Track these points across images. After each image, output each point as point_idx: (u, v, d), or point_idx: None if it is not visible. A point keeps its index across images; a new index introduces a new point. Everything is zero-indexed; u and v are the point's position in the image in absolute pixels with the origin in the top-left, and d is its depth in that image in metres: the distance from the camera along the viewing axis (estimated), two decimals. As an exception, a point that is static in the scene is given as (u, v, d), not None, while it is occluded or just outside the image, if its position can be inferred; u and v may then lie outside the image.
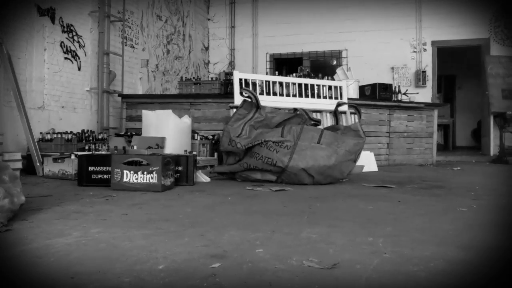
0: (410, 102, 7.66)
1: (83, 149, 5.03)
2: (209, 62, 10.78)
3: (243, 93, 5.04)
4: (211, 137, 5.76)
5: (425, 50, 9.75)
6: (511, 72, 8.65)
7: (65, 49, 5.91)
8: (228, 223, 2.38)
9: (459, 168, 6.62)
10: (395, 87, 8.09)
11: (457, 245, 1.91)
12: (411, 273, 1.53)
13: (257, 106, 4.76)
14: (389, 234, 2.14)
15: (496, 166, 7.30)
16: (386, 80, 9.25)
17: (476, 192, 3.79)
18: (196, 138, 5.43)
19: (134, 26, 7.55)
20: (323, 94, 6.23)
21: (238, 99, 5.56)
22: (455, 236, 2.10)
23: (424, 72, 9.61)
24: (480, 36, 9.43)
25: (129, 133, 5.75)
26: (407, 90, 8.75)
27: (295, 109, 5.01)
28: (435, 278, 1.48)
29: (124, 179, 3.67)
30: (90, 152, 4.63)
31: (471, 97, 12.76)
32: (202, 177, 4.48)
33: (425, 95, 9.53)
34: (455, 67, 12.76)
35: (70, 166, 4.46)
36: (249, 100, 4.83)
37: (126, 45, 7.21)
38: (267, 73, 9.89)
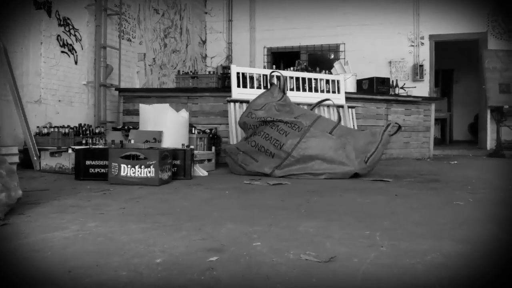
0: (408, 96, 7.66)
1: (80, 143, 5.03)
2: (206, 56, 10.75)
3: (272, 76, 5.28)
4: (208, 131, 5.76)
5: (422, 44, 9.74)
6: (509, 66, 8.66)
7: (61, 43, 5.88)
8: (226, 217, 2.38)
9: (456, 162, 6.63)
10: (393, 81, 8.09)
11: (454, 239, 1.92)
12: (407, 266, 1.54)
13: (283, 91, 4.84)
14: (386, 227, 2.15)
15: (493, 160, 7.32)
16: (383, 74, 9.24)
17: (472, 186, 3.81)
18: (193, 132, 5.42)
19: (131, 19, 7.52)
20: (320, 88, 6.23)
21: (235, 93, 5.55)
22: (452, 230, 2.11)
23: (421, 66, 9.61)
24: (478, 30, 9.43)
25: (126, 127, 5.73)
26: (404, 84, 8.75)
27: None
28: (431, 271, 1.49)
29: (122, 173, 3.67)
30: (88, 146, 4.63)
31: (468, 91, 12.78)
32: (200, 171, 4.48)
33: (423, 89, 9.53)
34: (452, 61, 12.75)
35: (67, 160, 4.46)
36: (276, 85, 4.95)
37: (123, 39, 7.19)
38: (264, 67, 9.87)
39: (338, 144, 4.32)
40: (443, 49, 10.43)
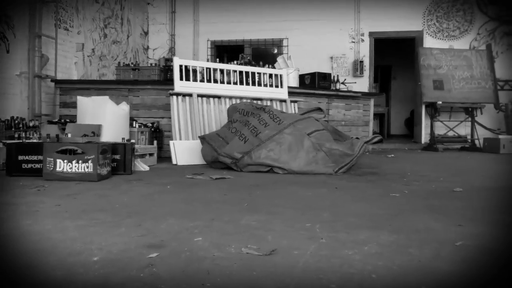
0: (348, 91, 7.87)
1: (12, 137, 4.77)
2: (148, 47, 10.53)
3: None
4: (150, 124, 5.65)
5: (362, 40, 10.02)
6: (442, 64, 9.08)
7: (-8, 31, 5.56)
8: (167, 212, 2.35)
9: (393, 155, 6.89)
10: (334, 76, 8.27)
11: (389, 229, 1.99)
12: (346, 257, 1.58)
13: None
14: (326, 219, 2.19)
15: (427, 153, 7.67)
16: (325, 69, 9.44)
17: (408, 178, 3.97)
18: (134, 125, 5.30)
19: (68, 7, 7.21)
20: (264, 82, 6.26)
21: (178, 86, 5.47)
22: (388, 220, 2.18)
23: (361, 62, 9.88)
24: (415, 29, 9.82)
25: (63, 120, 5.51)
26: (345, 79, 8.98)
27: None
28: (368, 261, 1.53)
29: (57, 169, 3.52)
30: (20, 140, 4.41)
31: (405, 87, 13.30)
32: (141, 165, 4.39)
33: (362, 84, 9.81)
34: (391, 58, 13.21)
35: (-2, 155, 4.22)
36: None
37: (60, 28, 6.88)
38: (208, 60, 9.80)
39: (312, 147, 4.36)
40: (382, 46, 10.77)
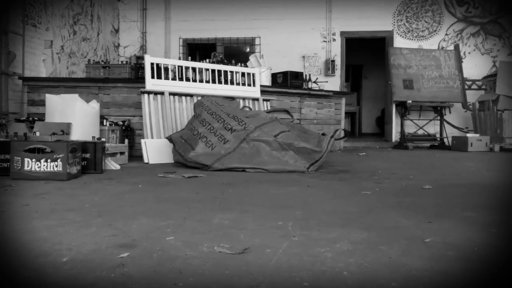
0: (320, 90, 7.93)
1: (-22, 136, 4.64)
2: (119, 45, 10.38)
3: None
4: (121, 123, 5.57)
5: (334, 40, 10.12)
6: (412, 64, 9.25)
7: (-45, 26, 5.38)
8: (138, 211, 2.32)
9: (364, 153, 6.98)
10: (306, 75, 8.33)
11: (361, 226, 2.02)
12: (318, 254, 1.59)
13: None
14: (298, 217, 2.20)
15: (397, 151, 7.81)
16: (297, 68, 9.50)
17: (379, 176, 4.03)
18: (105, 124, 5.22)
19: (36, 3, 7.04)
20: (236, 80, 6.26)
21: (149, 84, 5.41)
22: (359, 218, 2.21)
23: (333, 61, 9.99)
24: (385, 29, 9.98)
25: (31, 119, 5.38)
26: (317, 78, 9.06)
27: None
28: (340, 258, 1.55)
29: (25, 168, 3.44)
30: (-14, 139, 4.28)
31: (376, 86, 13.50)
32: (112, 164, 4.32)
33: (334, 83, 9.92)
34: (362, 58, 13.40)
35: (-38, 154, 4.09)
36: None
37: (27, 24, 6.72)
38: (180, 58, 9.73)
39: (280, 148, 4.39)
40: (353, 45, 10.91)
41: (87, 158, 3.95)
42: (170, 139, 4.75)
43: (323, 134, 4.81)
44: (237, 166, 4.27)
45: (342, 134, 4.71)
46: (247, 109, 5.58)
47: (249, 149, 4.35)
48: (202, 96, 5.77)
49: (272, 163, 4.29)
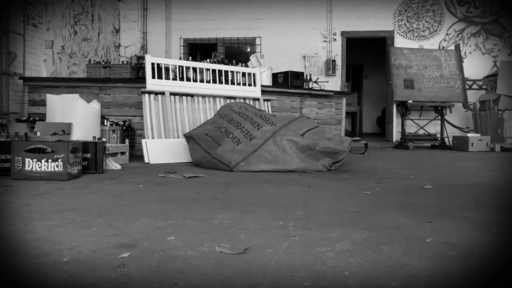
0: (321, 90, 7.93)
1: (-22, 136, 4.64)
2: (120, 45, 10.38)
3: None
4: (122, 123, 5.57)
5: (335, 40, 10.11)
6: (412, 64, 9.25)
7: (-44, 26, 5.38)
8: (139, 211, 2.32)
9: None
10: (307, 75, 8.33)
11: (361, 226, 2.02)
12: (318, 254, 1.59)
13: None
14: (299, 217, 2.20)
15: (398, 151, 7.80)
16: (298, 68, 9.50)
17: (379, 175, 4.03)
18: (105, 124, 5.22)
19: (37, 4, 7.05)
20: (237, 80, 6.25)
21: (150, 84, 5.42)
22: (360, 218, 2.21)
23: (334, 61, 9.98)
24: (386, 28, 9.97)
25: (32, 119, 5.38)
26: (317, 78, 9.05)
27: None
28: (340, 258, 1.55)
29: (26, 168, 3.44)
30: (-13, 139, 4.28)
31: (376, 86, 13.50)
32: (112, 164, 4.33)
33: (335, 83, 9.91)
34: (362, 57, 13.39)
35: (-37, 154, 4.09)
36: None
37: (28, 24, 6.72)
38: (180, 58, 9.73)
39: (306, 147, 4.36)
40: (354, 45, 10.91)
41: (88, 158, 3.95)
42: (189, 136, 4.72)
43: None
44: (263, 168, 4.26)
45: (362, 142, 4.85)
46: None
47: (275, 148, 4.31)
48: (203, 96, 5.77)
49: (297, 163, 4.29)
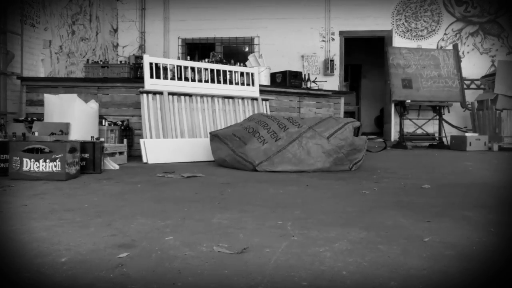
0: (319, 89, 7.93)
1: (-24, 136, 4.63)
2: (118, 44, 10.37)
3: None
4: (120, 123, 5.57)
5: (333, 39, 10.12)
6: (410, 63, 9.25)
7: (-47, 26, 5.37)
8: (137, 211, 2.32)
9: (363, 153, 6.97)
10: (305, 75, 8.33)
11: (359, 226, 2.02)
12: (317, 254, 1.59)
13: None
14: (298, 217, 2.20)
15: (396, 151, 7.81)
16: (296, 67, 9.50)
17: (377, 175, 4.03)
18: (104, 124, 5.22)
19: (34, 3, 7.04)
20: (235, 80, 6.25)
21: (148, 84, 5.41)
22: (358, 217, 2.21)
23: (332, 61, 9.99)
24: (384, 28, 9.98)
25: (29, 119, 5.38)
26: (316, 78, 9.05)
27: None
28: (339, 258, 1.55)
29: (24, 168, 3.44)
30: (-15, 139, 4.27)
31: (374, 86, 13.51)
32: (111, 164, 4.32)
33: (333, 83, 9.92)
34: (360, 57, 13.40)
35: (-39, 154, 4.08)
36: None
37: (25, 24, 6.71)
38: (179, 58, 9.73)
39: (332, 150, 4.34)
40: (352, 45, 10.91)
41: (86, 158, 3.94)
42: (215, 135, 4.72)
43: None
44: (286, 168, 4.24)
45: (382, 144, 4.82)
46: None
47: (300, 150, 4.28)
48: (201, 96, 5.77)
49: (320, 163, 4.30)
